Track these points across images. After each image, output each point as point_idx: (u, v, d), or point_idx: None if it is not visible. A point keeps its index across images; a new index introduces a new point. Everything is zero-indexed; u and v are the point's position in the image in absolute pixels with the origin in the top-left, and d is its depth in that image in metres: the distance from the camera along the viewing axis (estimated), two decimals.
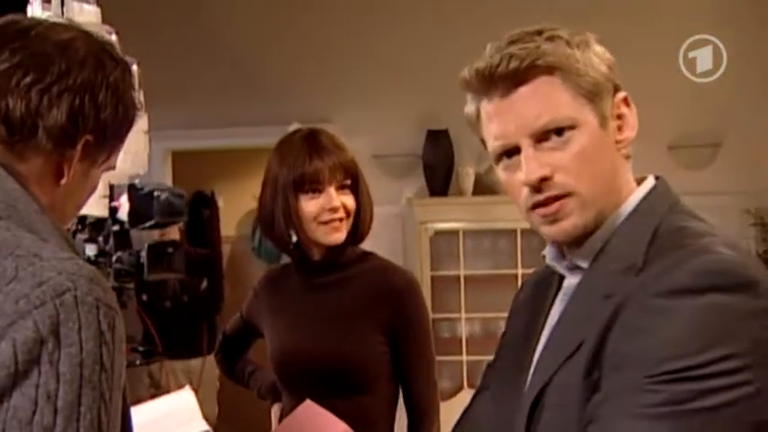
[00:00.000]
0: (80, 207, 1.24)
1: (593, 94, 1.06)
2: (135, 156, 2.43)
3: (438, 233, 4.95)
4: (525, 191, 1.08)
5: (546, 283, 1.20)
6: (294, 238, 1.88)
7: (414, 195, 5.17)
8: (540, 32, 1.08)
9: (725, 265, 0.94)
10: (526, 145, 1.07)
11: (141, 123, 2.70)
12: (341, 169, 1.84)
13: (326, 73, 5.22)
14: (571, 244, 1.10)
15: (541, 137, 1.06)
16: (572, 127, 1.05)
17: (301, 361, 1.87)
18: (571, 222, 1.07)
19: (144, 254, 2.55)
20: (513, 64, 1.05)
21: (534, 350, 1.13)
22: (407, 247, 5.12)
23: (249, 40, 5.26)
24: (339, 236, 1.86)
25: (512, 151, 1.09)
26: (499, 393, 1.20)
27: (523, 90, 1.06)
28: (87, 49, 1.14)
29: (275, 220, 1.89)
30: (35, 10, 2.37)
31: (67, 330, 0.92)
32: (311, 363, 1.85)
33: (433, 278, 4.84)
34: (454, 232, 4.93)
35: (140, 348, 3.11)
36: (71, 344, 0.92)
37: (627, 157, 1.11)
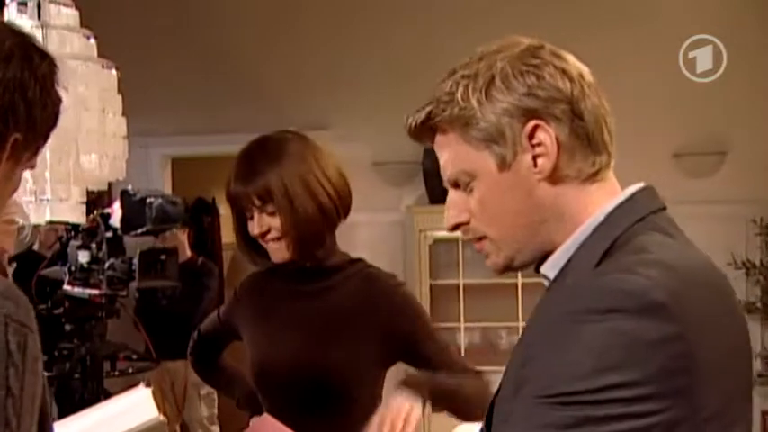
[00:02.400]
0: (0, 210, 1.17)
1: (490, 139, 1.06)
2: (113, 161, 2.44)
3: (438, 241, 4.95)
4: None
5: None
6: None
7: (414, 203, 5.18)
8: (452, 73, 1.11)
9: (632, 286, 0.90)
10: (450, 189, 1.14)
11: (119, 128, 2.72)
12: (262, 195, 1.78)
13: (325, 79, 5.23)
14: (539, 261, 1.11)
15: (455, 185, 1.12)
16: (472, 178, 1.08)
17: (281, 372, 1.82)
18: (492, 261, 1.11)
19: (136, 261, 2.56)
20: (412, 124, 1.13)
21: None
22: (407, 255, 5.12)
23: (248, 46, 5.27)
24: (282, 255, 1.82)
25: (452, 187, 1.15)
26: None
27: (437, 142, 1.13)
28: (13, 41, 1.08)
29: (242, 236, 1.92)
30: (11, 13, 2.38)
31: None
32: (292, 374, 1.81)
33: (432, 287, 4.84)
34: (454, 240, 4.92)
35: (134, 356, 3.10)
36: None
37: (585, 175, 1.06)
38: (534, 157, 1.05)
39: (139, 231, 2.50)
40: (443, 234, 4.94)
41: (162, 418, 1.03)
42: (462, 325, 4.75)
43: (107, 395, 2.85)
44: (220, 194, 7.51)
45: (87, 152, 2.51)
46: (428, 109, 1.10)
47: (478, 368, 1.86)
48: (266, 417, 1.72)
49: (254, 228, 1.81)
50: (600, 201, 1.06)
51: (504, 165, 1.06)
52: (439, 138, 1.11)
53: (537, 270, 1.10)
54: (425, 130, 1.12)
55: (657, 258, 0.95)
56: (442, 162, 1.11)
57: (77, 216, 2.43)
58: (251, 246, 1.87)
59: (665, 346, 0.88)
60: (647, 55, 4.56)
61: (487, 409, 1.09)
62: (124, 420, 1.06)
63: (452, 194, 1.12)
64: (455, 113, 1.08)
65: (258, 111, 5.08)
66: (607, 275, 0.94)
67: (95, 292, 2.68)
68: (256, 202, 1.79)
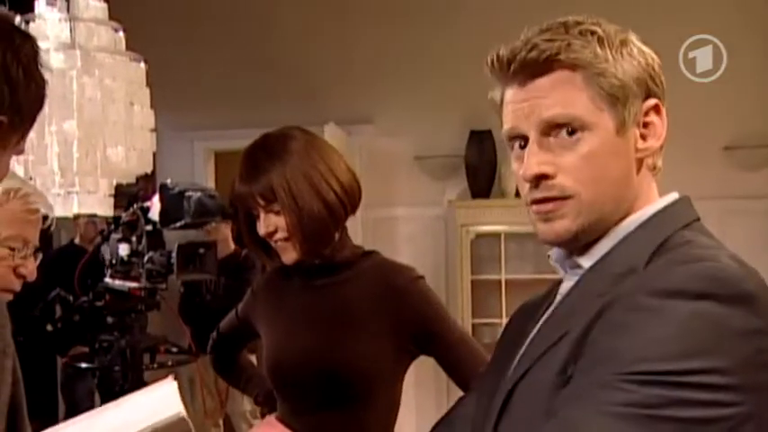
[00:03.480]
0: None
1: (615, 98, 1.03)
2: (140, 153, 2.44)
3: (479, 236, 4.92)
4: (527, 185, 1.06)
5: (551, 293, 1.18)
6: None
7: (456, 197, 5.15)
8: (577, 23, 1.05)
9: (725, 273, 0.89)
10: (533, 138, 1.04)
11: (147, 120, 2.71)
12: (266, 194, 1.77)
13: (367, 72, 5.22)
14: (575, 249, 1.08)
15: (550, 131, 1.04)
16: (583, 128, 1.02)
17: (295, 368, 1.82)
18: (563, 225, 1.05)
19: (174, 254, 2.56)
20: (533, 54, 1.03)
21: (518, 352, 1.11)
22: (448, 250, 5.10)
23: (293, 40, 5.28)
24: (290, 256, 1.81)
25: (523, 141, 1.07)
26: (481, 395, 1.18)
27: (541, 82, 1.04)
28: None
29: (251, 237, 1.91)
30: (41, 7, 2.40)
31: None
32: (305, 370, 1.80)
33: (473, 282, 4.80)
34: (496, 235, 4.89)
35: (174, 349, 3.11)
36: None
37: (653, 167, 1.08)
38: (642, 135, 1.05)
39: (178, 225, 2.49)
40: (485, 228, 4.92)
41: (183, 414, 1.01)
42: (504, 321, 4.69)
43: None
44: None
45: (114, 144, 2.53)
46: (559, 43, 1.03)
47: None
48: (272, 421, 1.68)
49: (261, 228, 1.80)
50: (650, 194, 1.08)
51: (620, 128, 1.03)
52: (557, 75, 1.03)
53: (569, 253, 1.08)
54: (540, 63, 1.03)
55: (731, 254, 0.95)
56: (545, 101, 1.03)
57: (105, 208, 2.45)
58: (260, 246, 1.87)
59: (752, 338, 0.87)
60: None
61: (505, 393, 1.06)
62: (145, 414, 1.04)
63: (534, 146, 1.04)
64: (588, 58, 1.03)
65: (303, 105, 5.09)
66: (692, 263, 0.92)
67: (135, 285, 2.69)
68: (261, 201, 1.78)
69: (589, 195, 1.03)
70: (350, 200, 1.84)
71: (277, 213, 1.77)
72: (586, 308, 0.98)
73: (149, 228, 2.65)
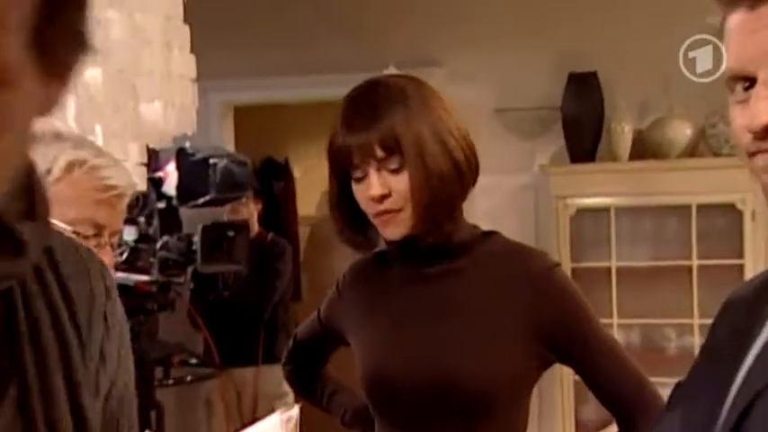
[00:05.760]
0: None
1: None
2: (181, 110, 2.41)
3: (582, 211, 4.85)
4: (748, 135, 1.05)
5: None
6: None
7: (549, 161, 5.08)
8: None
9: None
10: (762, 78, 1.03)
11: (188, 68, 2.69)
12: (388, 143, 1.77)
13: (435, 5, 5.18)
14: None
15: None
16: None
17: (401, 379, 1.83)
18: None
19: (197, 239, 2.58)
20: None
21: (743, 361, 1.09)
22: (540, 229, 5.05)
23: None
24: (394, 230, 1.82)
25: (749, 82, 1.05)
26: (691, 414, 1.17)
27: None
28: None
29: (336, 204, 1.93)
30: None
31: None
32: (413, 382, 1.81)
33: (574, 270, 4.72)
34: (604, 210, 4.81)
35: (192, 361, 3.15)
36: None
37: None
38: None
39: (201, 201, 2.52)
40: (589, 202, 4.87)
41: None
42: (615, 321, 4.66)
43: (159, 410, 2.89)
44: (296, 153, 7.51)
45: (149, 99, 2.50)
46: None
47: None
48: None
49: (372, 188, 1.79)
50: None
51: None
52: None
53: None
54: None
55: None
56: None
57: (136, 181, 2.45)
58: (353, 223, 1.88)
59: None
60: None
61: (739, 412, 1.04)
62: None
63: (761, 89, 1.03)
64: None
65: (347, 45, 5.10)
66: None
67: (144, 278, 2.72)
68: (379, 153, 1.78)
69: None
70: (475, 164, 1.88)
71: (393, 172, 1.78)
72: None
73: (162, 205, 2.67)
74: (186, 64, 2.66)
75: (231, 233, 2.66)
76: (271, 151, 6.70)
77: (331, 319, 2.07)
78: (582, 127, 4.92)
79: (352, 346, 1.99)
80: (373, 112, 1.79)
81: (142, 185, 2.50)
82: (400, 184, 1.78)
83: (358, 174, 1.81)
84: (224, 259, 2.64)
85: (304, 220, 6.70)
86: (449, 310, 1.85)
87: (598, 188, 4.85)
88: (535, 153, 5.13)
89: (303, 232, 6.69)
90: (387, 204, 1.79)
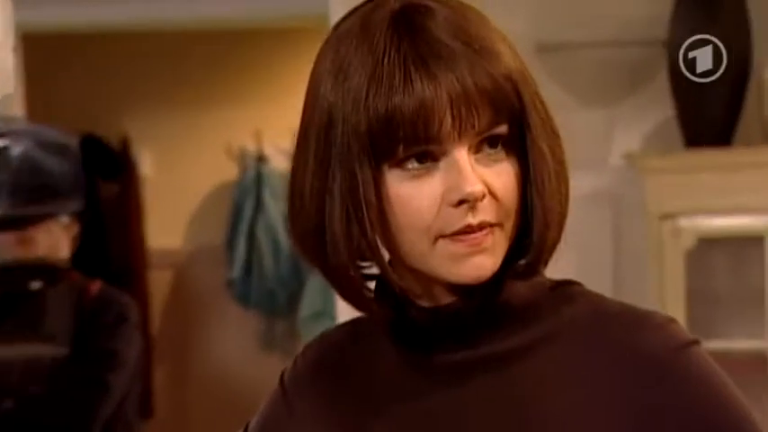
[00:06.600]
0: None
1: None
2: None
3: (707, 242, 3.56)
4: None
5: None
6: (378, 268, 1.39)
7: (641, 146, 3.68)
8: None
9: None
10: None
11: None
12: (486, 101, 1.27)
13: None
14: None
15: None
16: None
17: None
18: None
19: None
20: None
21: None
22: (622, 272, 3.71)
23: None
24: (485, 262, 1.33)
25: None
26: None
27: None
28: None
29: (328, 222, 1.36)
30: None
31: None
32: None
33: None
34: (752, 239, 3.47)
35: None
36: None
37: None
38: None
39: None
40: (724, 224, 3.65)
41: None
42: None
43: None
44: (145, 132, 5.62)
45: None
46: None
47: None
48: None
49: (468, 180, 1.30)
50: None
51: None
52: None
53: None
54: None
55: None
56: None
57: None
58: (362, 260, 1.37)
59: None
60: None
61: None
62: None
63: None
64: None
65: None
66: None
67: None
68: (487, 115, 1.26)
69: None
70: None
71: (490, 159, 1.31)
72: None
73: None
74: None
75: (37, 284, 2.25)
76: (92, 124, 4.58)
77: None
78: (706, 85, 3.43)
79: None
80: (471, 38, 1.28)
81: None
82: (502, 178, 1.32)
83: (427, 155, 1.30)
84: (19, 337, 2.25)
85: (161, 256, 4.77)
86: (515, 427, 1.41)
87: (740, 198, 3.45)
88: (613, 130, 3.77)
89: (159, 279, 4.81)
90: (483, 214, 1.31)
